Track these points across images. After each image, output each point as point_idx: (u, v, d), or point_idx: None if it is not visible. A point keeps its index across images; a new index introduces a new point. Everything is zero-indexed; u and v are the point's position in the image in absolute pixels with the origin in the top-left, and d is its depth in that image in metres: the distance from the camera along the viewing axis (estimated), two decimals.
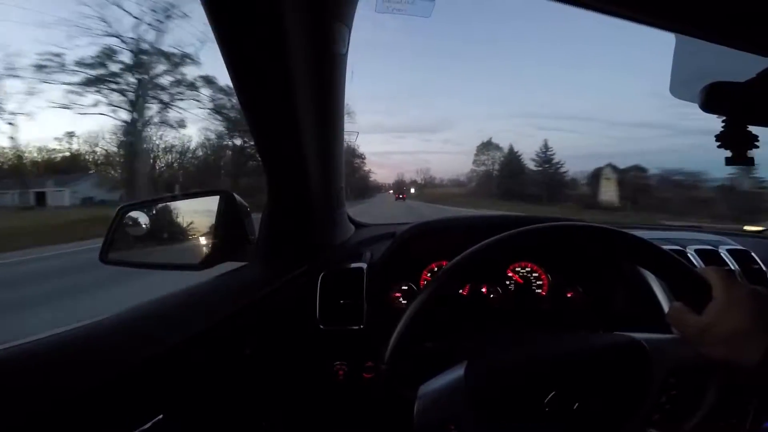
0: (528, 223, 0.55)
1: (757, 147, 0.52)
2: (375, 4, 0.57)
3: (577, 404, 0.44)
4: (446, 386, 0.46)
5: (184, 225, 0.83)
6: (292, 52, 0.56)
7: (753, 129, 0.52)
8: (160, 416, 0.52)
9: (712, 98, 0.48)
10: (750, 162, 0.53)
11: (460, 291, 0.94)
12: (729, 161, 0.53)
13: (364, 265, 0.85)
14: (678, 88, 0.55)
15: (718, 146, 0.53)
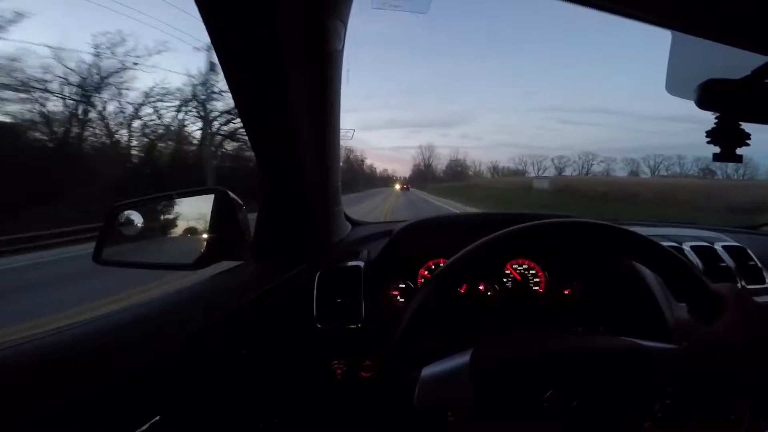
0: (524, 220, 0.55)
1: (747, 144, 0.52)
2: (371, 0, 0.57)
3: (575, 403, 0.45)
4: (450, 370, 0.47)
5: (179, 224, 0.82)
6: (287, 49, 0.55)
7: (746, 127, 0.52)
8: (157, 417, 0.51)
9: (708, 95, 0.48)
10: (738, 159, 0.52)
11: (458, 289, 0.94)
12: (717, 157, 0.53)
13: (361, 264, 0.85)
14: (674, 85, 0.55)
15: (708, 142, 0.53)
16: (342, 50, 0.63)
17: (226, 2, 0.48)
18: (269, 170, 0.77)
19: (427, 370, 0.48)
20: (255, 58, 0.55)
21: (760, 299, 0.90)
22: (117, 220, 0.76)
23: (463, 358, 0.47)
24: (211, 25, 0.50)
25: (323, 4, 0.55)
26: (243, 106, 0.63)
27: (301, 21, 0.54)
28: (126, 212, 0.77)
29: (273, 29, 0.52)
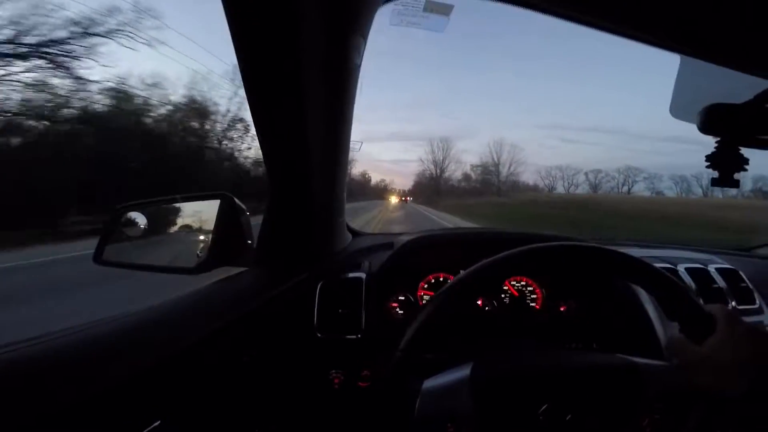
0: (523, 239, 0.57)
1: (745, 170, 0.54)
2: (389, 17, 0.59)
3: (569, 416, 0.46)
4: (451, 383, 0.48)
5: (182, 227, 0.82)
6: (309, 62, 0.57)
7: (745, 152, 0.54)
8: (158, 422, 0.50)
9: (710, 120, 0.50)
10: (736, 184, 0.54)
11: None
12: (715, 182, 0.55)
13: (363, 275, 0.85)
14: (678, 109, 0.57)
15: (707, 167, 0.55)
16: (360, 65, 0.65)
17: (255, 15, 0.49)
18: (278, 177, 0.77)
19: (429, 383, 0.49)
20: (275, 68, 0.56)
21: (750, 320, 0.93)
22: (120, 221, 0.75)
23: (463, 372, 0.49)
24: (236, 33, 0.51)
25: (347, 19, 0.57)
26: (258, 114, 0.64)
27: (325, 35, 0.56)
28: (130, 214, 0.76)
29: (296, 42, 0.53)
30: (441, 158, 62.76)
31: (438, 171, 62.71)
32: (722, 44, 0.37)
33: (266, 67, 0.56)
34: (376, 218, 17.90)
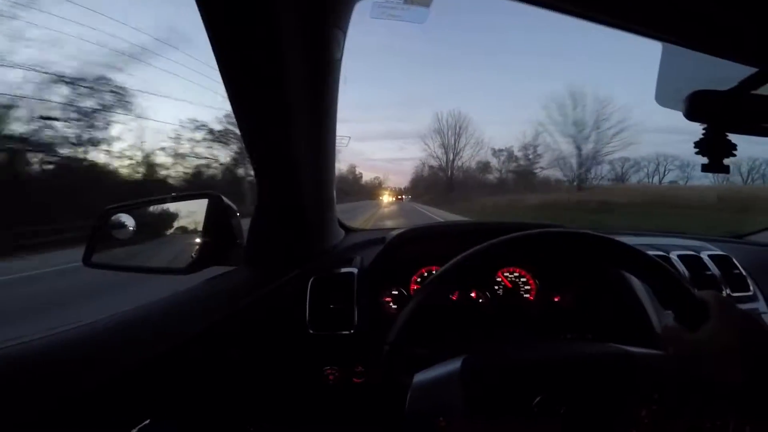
0: (517, 229, 0.57)
1: (734, 155, 0.54)
2: (370, 10, 0.58)
3: (563, 408, 0.46)
4: (442, 377, 0.48)
5: (172, 228, 0.82)
6: (288, 56, 0.56)
7: (732, 137, 0.53)
8: (147, 421, 0.50)
9: (695, 106, 0.50)
10: (726, 170, 0.54)
11: (450, 296, 0.94)
12: (705, 168, 0.55)
13: (355, 270, 0.85)
14: (663, 97, 0.57)
15: (696, 153, 0.54)
16: (341, 59, 0.64)
17: (229, 8, 0.48)
18: (265, 176, 0.77)
19: (419, 377, 0.48)
20: (255, 65, 0.56)
21: (744, 306, 0.93)
22: (109, 223, 0.75)
23: (454, 365, 0.48)
24: (212, 29, 0.51)
25: (324, 13, 0.56)
26: (241, 112, 0.64)
27: (303, 29, 0.55)
28: (119, 215, 0.76)
29: (274, 37, 0.52)
30: (453, 140, 44.72)
31: (450, 155, 45.05)
32: (705, 32, 0.37)
33: (245, 63, 0.56)
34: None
